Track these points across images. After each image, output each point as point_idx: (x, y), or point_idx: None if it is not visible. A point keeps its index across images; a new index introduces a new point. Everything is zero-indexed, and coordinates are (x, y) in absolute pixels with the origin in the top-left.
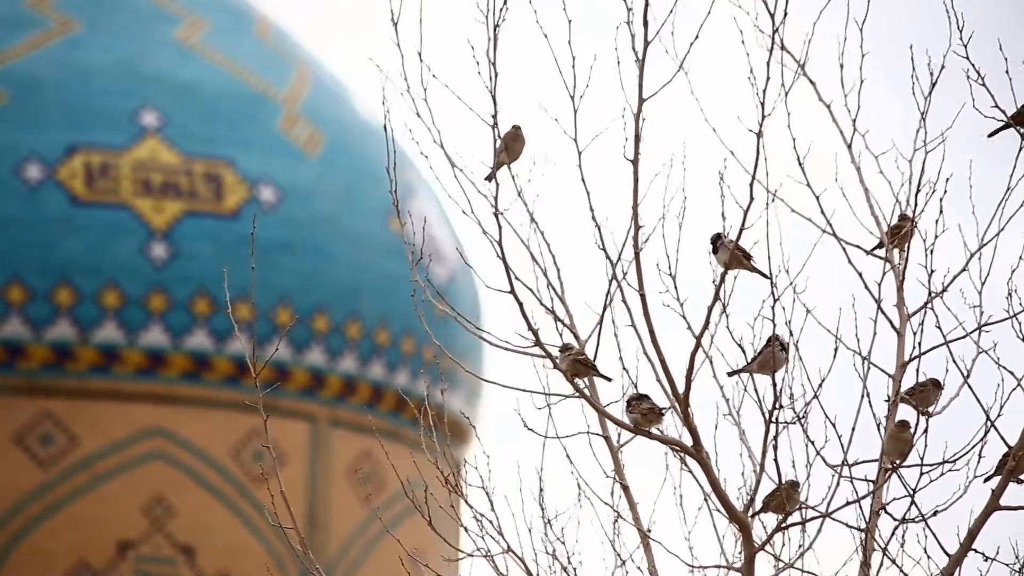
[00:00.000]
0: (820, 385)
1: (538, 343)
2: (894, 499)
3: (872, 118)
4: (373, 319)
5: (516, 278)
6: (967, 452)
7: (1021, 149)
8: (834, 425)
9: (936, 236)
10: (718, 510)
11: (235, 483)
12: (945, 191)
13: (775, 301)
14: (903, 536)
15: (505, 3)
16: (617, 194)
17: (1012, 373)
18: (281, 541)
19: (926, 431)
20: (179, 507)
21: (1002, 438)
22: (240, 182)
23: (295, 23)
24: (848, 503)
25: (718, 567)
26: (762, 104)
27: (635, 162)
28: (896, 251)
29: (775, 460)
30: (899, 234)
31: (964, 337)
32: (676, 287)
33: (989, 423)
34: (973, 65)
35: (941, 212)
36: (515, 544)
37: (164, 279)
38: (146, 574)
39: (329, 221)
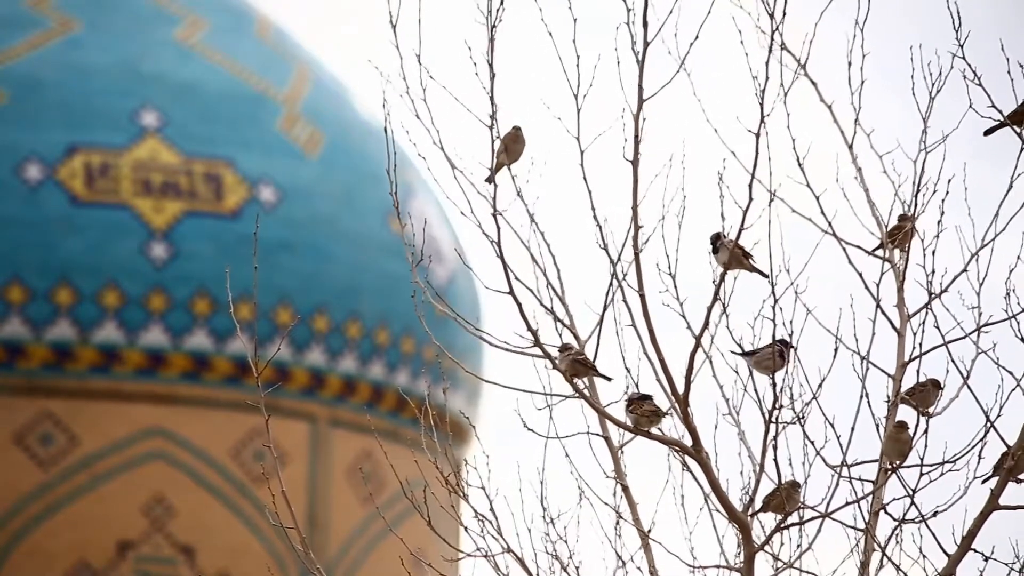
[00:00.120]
0: (820, 385)
1: (537, 344)
2: (893, 499)
3: (871, 118)
4: (373, 319)
5: (516, 278)
6: (967, 453)
7: (1022, 150)
8: (833, 426)
9: (935, 236)
10: (718, 510)
11: (235, 483)
12: (947, 192)
13: (775, 301)
14: (901, 536)
15: (502, 4)
16: (617, 194)
17: (1011, 373)
18: (281, 541)
19: (926, 431)
20: (179, 507)
21: (1002, 439)
22: (240, 182)
23: (295, 23)
24: (847, 503)
25: (718, 567)
26: (761, 105)
27: (635, 163)
28: (896, 252)
29: (775, 460)
30: (899, 235)
31: (964, 338)
32: (676, 287)
33: (989, 424)
34: (970, 65)
35: (942, 213)
36: (515, 544)
37: (164, 279)
38: (146, 574)
39: (329, 221)
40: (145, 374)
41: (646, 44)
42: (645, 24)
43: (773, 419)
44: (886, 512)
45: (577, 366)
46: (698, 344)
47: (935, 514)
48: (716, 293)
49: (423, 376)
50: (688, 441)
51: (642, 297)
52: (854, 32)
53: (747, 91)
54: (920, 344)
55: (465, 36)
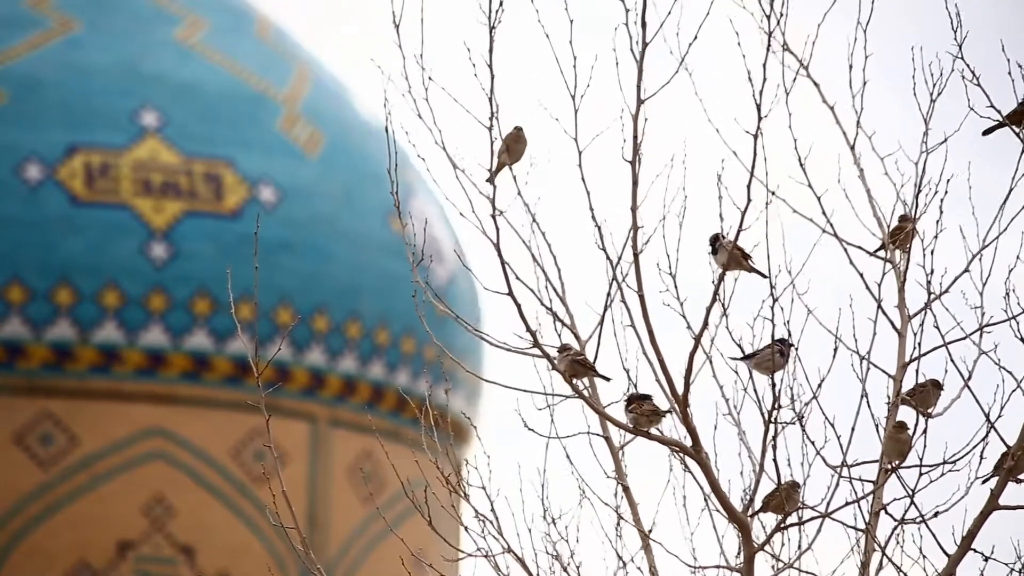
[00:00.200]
0: (819, 385)
1: (536, 344)
2: (894, 499)
3: (873, 119)
4: (373, 319)
5: (517, 277)
6: (967, 453)
7: (1023, 151)
8: (833, 426)
9: (935, 237)
10: (718, 510)
11: (235, 483)
12: (946, 192)
13: (775, 301)
14: (902, 536)
15: (501, 5)
16: (618, 194)
17: (1012, 374)
18: (281, 541)
19: (925, 431)
20: (179, 507)
21: (1002, 439)
22: (240, 182)
23: (295, 23)
24: (847, 503)
25: (718, 567)
26: (758, 106)
27: (633, 163)
28: (897, 252)
29: (774, 460)
30: (900, 236)
31: (964, 338)
32: (676, 287)
33: (989, 424)
34: (969, 66)
35: (941, 213)
36: (516, 544)
37: (164, 279)
38: (146, 574)
39: (329, 221)
40: (145, 374)
41: (645, 44)
42: (644, 24)
43: (773, 419)
44: (886, 512)
45: (576, 367)
46: (697, 345)
47: (935, 514)
48: (715, 294)
49: (423, 376)
50: (688, 441)
51: (641, 298)
52: (855, 34)
53: (747, 92)
54: (920, 344)
55: (466, 36)
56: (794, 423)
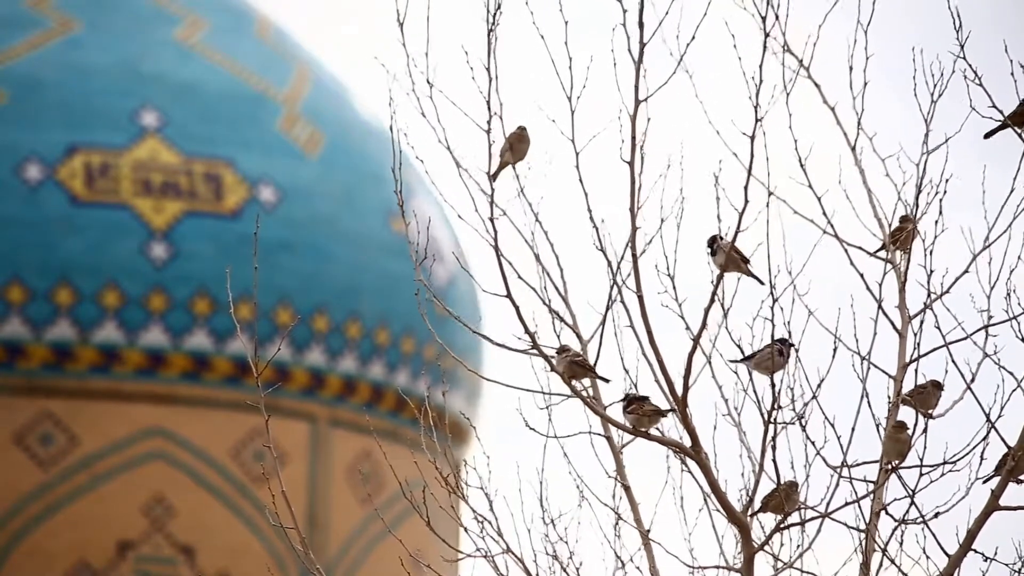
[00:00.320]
0: (819, 385)
1: (535, 346)
2: (894, 500)
3: (874, 120)
4: (373, 319)
5: (520, 277)
6: (967, 453)
7: None
8: (833, 426)
9: (935, 237)
10: (717, 511)
11: (235, 483)
12: (945, 191)
13: (775, 302)
14: (902, 536)
15: (499, 7)
16: (617, 194)
17: (1012, 374)
18: (281, 541)
19: (925, 432)
20: (179, 507)
21: (1002, 439)
22: (240, 182)
23: (295, 23)
24: (847, 503)
25: (717, 567)
26: (755, 108)
27: (632, 164)
28: (898, 253)
29: (774, 461)
30: (901, 236)
31: (965, 339)
32: (675, 288)
33: (989, 424)
34: (971, 66)
35: (942, 213)
36: (515, 545)
37: (164, 279)
38: (146, 574)
39: (329, 221)
40: (145, 374)
41: (642, 45)
42: (641, 26)
43: (772, 419)
44: (887, 512)
45: (575, 368)
46: (695, 346)
47: (936, 515)
48: (713, 295)
49: (423, 376)
50: (687, 442)
51: (640, 298)
52: (856, 35)
53: (746, 92)
54: (920, 345)
55: (466, 37)
56: (794, 423)
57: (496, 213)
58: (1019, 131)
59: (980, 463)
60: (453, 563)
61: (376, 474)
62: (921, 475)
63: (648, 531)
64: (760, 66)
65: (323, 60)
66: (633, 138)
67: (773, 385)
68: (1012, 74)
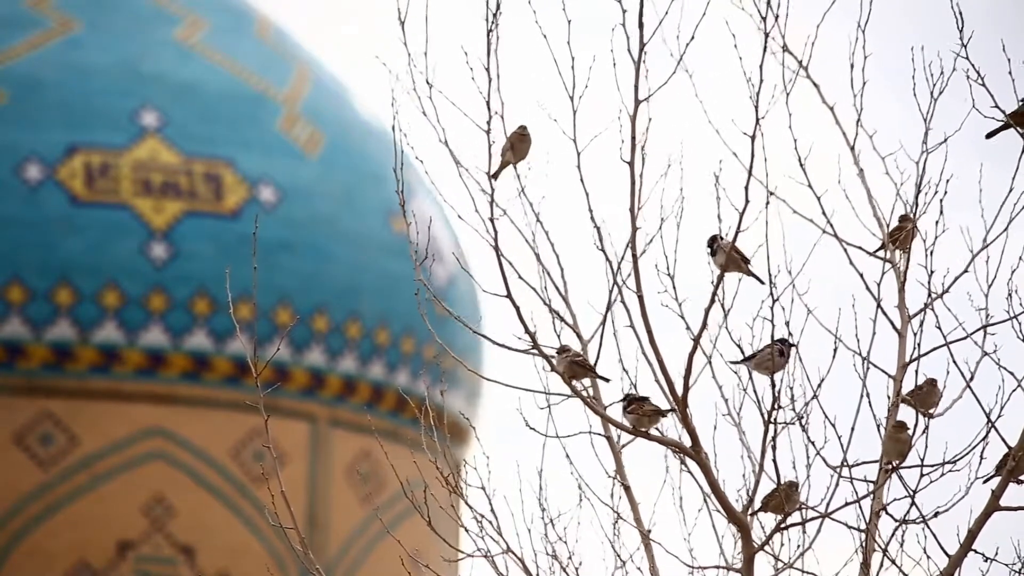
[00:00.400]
0: (819, 385)
1: (535, 346)
2: (894, 500)
3: (873, 119)
4: (373, 319)
5: (520, 276)
6: (967, 453)
7: None
8: (834, 426)
9: (936, 237)
10: (717, 510)
11: (235, 483)
12: (946, 191)
13: (774, 302)
14: (903, 536)
15: (499, 8)
16: (617, 194)
17: (1012, 374)
18: (281, 541)
19: (925, 431)
20: (179, 507)
21: (1003, 439)
22: (240, 182)
23: (295, 23)
24: (847, 503)
25: (717, 567)
26: (756, 107)
27: (632, 164)
28: (898, 252)
29: (774, 461)
30: (900, 236)
31: (965, 338)
32: (675, 288)
33: (989, 424)
34: (973, 65)
35: (941, 213)
36: (515, 544)
37: (164, 279)
38: (146, 574)
39: (329, 221)
40: (145, 374)
41: (642, 45)
42: (641, 26)
43: (773, 419)
44: (887, 513)
45: (575, 368)
46: (695, 346)
47: (936, 515)
48: (713, 295)
49: (423, 376)
50: (687, 442)
51: (640, 298)
52: (856, 34)
53: (746, 92)
54: (920, 344)
55: (466, 37)
56: (794, 423)
57: (496, 213)
58: (1021, 131)
59: (980, 463)
60: (453, 563)
61: (376, 474)
62: (921, 475)
63: (648, 531)
64: (760, 66)
65: (323, 60)
66: (633, 138)
67: (773, 385)
68: (1010, 73)
